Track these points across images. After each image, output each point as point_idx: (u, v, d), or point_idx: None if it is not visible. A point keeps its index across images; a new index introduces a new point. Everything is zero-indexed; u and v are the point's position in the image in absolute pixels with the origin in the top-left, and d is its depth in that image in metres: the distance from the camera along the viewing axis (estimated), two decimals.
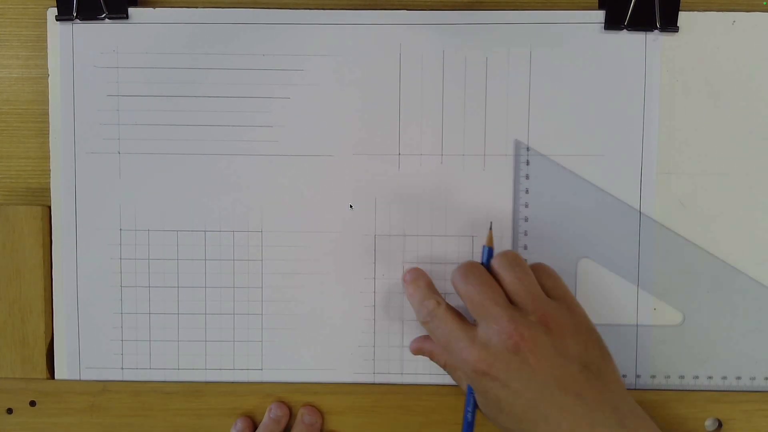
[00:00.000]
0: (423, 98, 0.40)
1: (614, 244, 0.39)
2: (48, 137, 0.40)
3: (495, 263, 0.36)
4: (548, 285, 0.35)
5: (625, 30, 0.39)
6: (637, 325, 0.40)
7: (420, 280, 0.38)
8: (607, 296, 0.40)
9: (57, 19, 0.39)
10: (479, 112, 0.40)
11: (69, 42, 0.40)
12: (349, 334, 0.40)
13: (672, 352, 0.40)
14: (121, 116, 0.40)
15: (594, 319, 0.39)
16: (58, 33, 0.40)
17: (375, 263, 0.40)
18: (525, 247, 0.40)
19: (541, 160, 0.40)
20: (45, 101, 0.40)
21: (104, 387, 0.41)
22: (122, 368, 0.41)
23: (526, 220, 0.40)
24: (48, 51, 0.40)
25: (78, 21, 0.39)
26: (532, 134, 0.40)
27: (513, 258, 0.35)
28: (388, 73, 0.40)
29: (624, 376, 0.40)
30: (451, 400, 0.40)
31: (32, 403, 0.41)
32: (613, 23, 0.39)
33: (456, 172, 0.40)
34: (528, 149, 0.40)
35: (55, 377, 0.41)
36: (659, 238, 0.39)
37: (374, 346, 0.40)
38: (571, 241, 0.40)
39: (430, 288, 0.37)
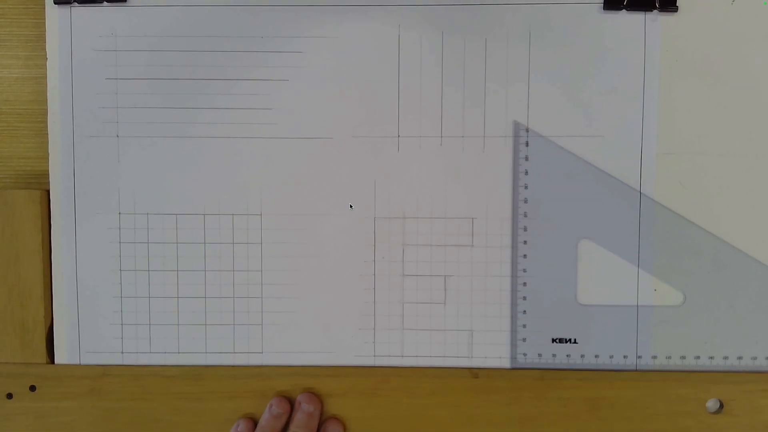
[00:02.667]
0: (422, 80, 0.40)
1: (614, 225, 0.39)
2: (47, 134, 0.40)
3: None
4: None
5: (624, 10, 0.39)
6: (637, 305, 0.39)
7: None
8: (608, 277, 0.39)
9: (55, 3, 0.39)
10: (478, 94, 0.40)
11: (67, 26, 0.40)
12: (350, 317, 0.40)
13: (673, 332, 0.39)
14: (120, 99, 0.40)
15: (595, 300, 0.39)
16: (57, 17, 0.40)
17: (375, 246, 0.40)
18: (525, 229, 0.40)
19: (541, 141, 0.40)
20: (44, 101, 0.40)
21: (104, 371, 0.40)
22: (122, 352, 0.41)
23: (526, 201, 0.40)
24: (46, 35, 0.40)
25: (76, 4, 0.39)
26: (532, 115, 0.40)
27: None
28: (387, 55, 0.39)
29: (625, 357, 0.40)
30: (452, 382, 0.40)
31: (32, 388, 0.41)
32: (612, 3, 0.39)
33: (455, 153, 0.40)
34: (527, 130, 0.40)
35: (55, 362, 0.41)
36: (659, 219, 0.39)
37: (374, 329, 0.40)
38: (571, 222, 0.39)
39: None
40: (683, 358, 0.40)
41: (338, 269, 0.40)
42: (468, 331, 0.40)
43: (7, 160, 0.41)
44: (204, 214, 0.40)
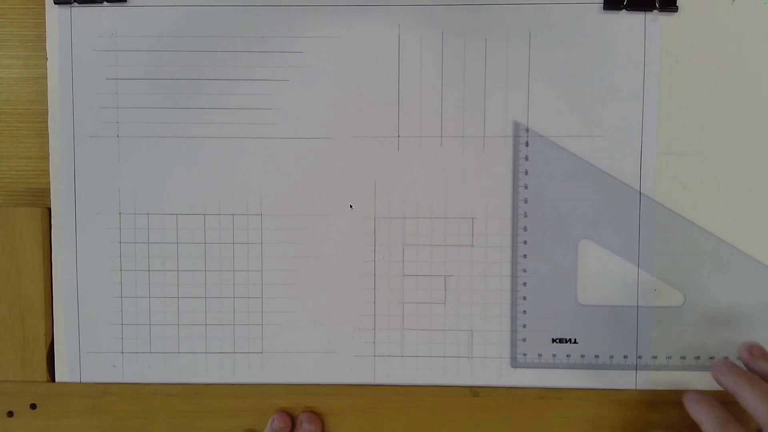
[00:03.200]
0: (422, 80, 0.40)
1: (614, 225, 0.39)
2: (47, 134, 0.40)
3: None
4: None
5: (624, 10, 0.39)
6: (638, 306, 0.39)
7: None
8: (608, 277, 0.39)
9: (55, 3, 0.39)
10: (478, 94, 0.40)
11: (67, 26, 0.40)
12: (349, 317, 0.40)
13: (673, 332, 0.39)
14: (120, 100, 0.40)
15: (595, 300, 0.39)
16: (57, 17, 0.40)
17: (375, 246, 0.40)
18: (525, 229, 0.40)
19: (541, 141, 0.40)
20: (44, 101, 0.40)
21: (105, 389, 0.40)
22: (122, 352, 0.41)
23: (526, 201, 0.40)
24: (46, 35, 0.40)
25: (76, 4, 0.39)
26: (532, 115, 0.40)
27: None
28: (387, 55, 0.39)
29: (625, 357, 0.40)
30: (451, 401, 0.40)
31: (33, 406, 0.41)
32: (612, 3, 0.39)
33: (455, 153, 0.40)
34: (527, 130, 0.40)
35: (56, 380, 0.41)
36: (660, 219, 0.39)
37: (374, 329, 0.40)
38: (571, 222, 0.39)
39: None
40: (683, 358, 0.39)
41: (338, 269, 0.40)
42: (468, 331, 0.40)
43: (7, 160, 0.41)
44: (204, 214, 0.40)
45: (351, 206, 0.40)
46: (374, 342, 0.40)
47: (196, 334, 0.41)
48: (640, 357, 0.40)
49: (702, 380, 0.39)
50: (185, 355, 0.41)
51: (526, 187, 0.40)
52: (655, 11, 0.39)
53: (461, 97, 0.40)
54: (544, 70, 0.39)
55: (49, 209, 0.40)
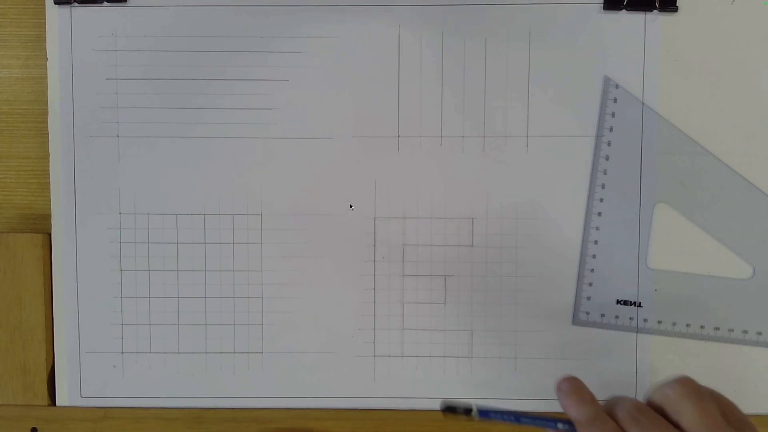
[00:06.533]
0: (422, 80, 0.40)
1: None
2: (47, 134, 0.40)
3: (671, 393, 0.30)
4: (725, 410, 0.30)
5: (624, 10, 0.39)
6: (707, 275, 0.39)
7: (584, 392, 0.32)
8: (680, 244, 0.39)
9: (55, 3, 0.39)
10: (478, 94, 0.40)
11: (67, 26, 0.40)
12: (350, 317, 0.40)
13: (739, 305, 0.39)
14: (120, 100, 0.40)
15: (664, 265, 0.39)
16: (57, 17, 0.40)
17: (375, 246, 0.40)
18: (603, 186, 0.39)
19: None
20: (44, 101, 0.40)
21: (105, 413, 0.41)
22: (122, 352, 0.41)
23: (607, 159, 0.39)
24: (46, 35, 0.40)
25: (76, 4, 0.39)
26: (532, 115, 0.40)
27: (693, 387, 0.30)
28: (387, 55, 0.39)
29: (687, 325, 0.39)
30: (450, 426, 0.40)
31: (34, 430, 0.41)
32: (612, 3, 0.39)
33: (455, 154, 0.40)
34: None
35: (56, 404, 0.41)
36: (735, 192, 0.39)
37: (374, 329, 0.40)
38: (649, 184, 0.39)
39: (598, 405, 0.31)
40: (745, 332, 0.39)
41: (338, 269, 0.40)
42: (468, 331, 0.40)
43: (7, 159, 0.41)
44: (204, 214, 0.40)
45: (351, 206, 0.40)
46: (374, 342, 0.40)
47: (196, 334, 0.41)
48: (702, 327, 0.39)
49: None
50: (185, 355, 0.41)
51: (609, 144, 0.39)
52: (655, 11, 0.39)
53: (461, 97, 0.40)
54: (545, 70, 0.39)
55: (50, 235, 0.40)
